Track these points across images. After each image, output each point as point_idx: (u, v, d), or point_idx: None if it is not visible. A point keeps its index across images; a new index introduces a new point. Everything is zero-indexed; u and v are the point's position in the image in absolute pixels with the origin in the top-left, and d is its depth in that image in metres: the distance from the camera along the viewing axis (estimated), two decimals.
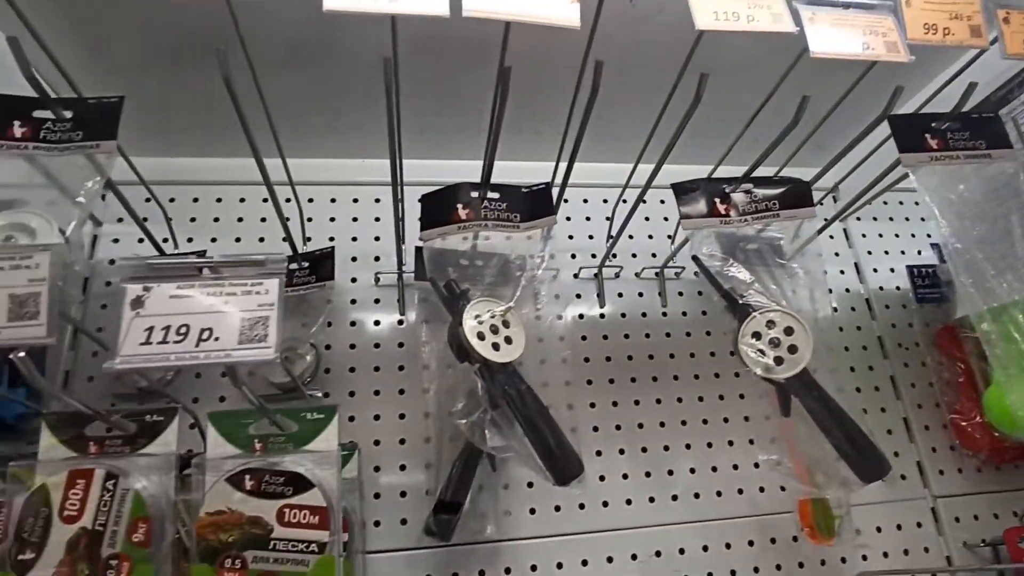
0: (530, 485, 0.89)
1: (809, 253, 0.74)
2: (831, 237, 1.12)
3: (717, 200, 0.76)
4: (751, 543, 0.90)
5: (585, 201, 1.09)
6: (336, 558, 0.55)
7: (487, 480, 0.86)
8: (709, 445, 0.95)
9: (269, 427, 0.59)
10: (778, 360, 0.67)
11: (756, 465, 0.94)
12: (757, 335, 0.68)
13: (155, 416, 0.57)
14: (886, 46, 0.67)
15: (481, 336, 0.67)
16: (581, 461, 0.66)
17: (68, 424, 0.57)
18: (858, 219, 1.13)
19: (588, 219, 1.08)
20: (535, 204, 0.76)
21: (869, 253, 1.12)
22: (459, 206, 0.74)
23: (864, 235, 1.13)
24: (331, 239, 0.96)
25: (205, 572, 0.53)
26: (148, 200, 0.89)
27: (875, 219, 1.14)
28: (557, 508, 0.88)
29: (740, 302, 0.70)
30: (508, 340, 0.69)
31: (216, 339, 0.40)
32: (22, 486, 0.53)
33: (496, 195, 0.75)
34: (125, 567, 0.52)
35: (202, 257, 0.42)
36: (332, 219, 1.00)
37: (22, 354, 0.44)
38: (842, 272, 1.10)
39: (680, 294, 1.04)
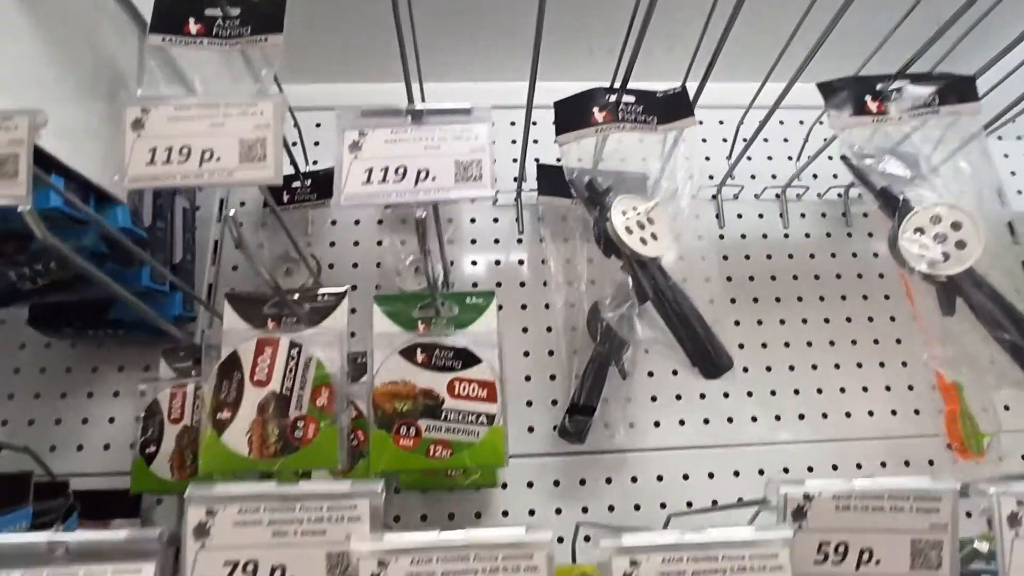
0: (653, 399, 0.89)
1: (975, 150, 0.70)
2: None
3: (868, 98, 0.72)
4: (884, 464, 0.87)
5: (701, 123, 1.06)
6: (504, 430, 0.56)
7: (611, 393, 0.86)
8: (836, 366, 0.92)
9: (431, 311, 0.60)
10: (944, 256, 0.64)
11: (888, 388, 0.91)
12: (920, 231, 0.65)
13: (326, 298, 0.60)
14: None
15: (629, 230, 0.67)
16: (730, 355, 0.65)
17: (247, 304, 0.60)
18: (999, 138, 1.05)
19: (704, 141, 1.05)
20: (672, 106, 0.74)
21: (1012, 174, 1.05)
22: (595, 109, 0.73)
23: (1007, 155, 1.05)
24: None
25: (382, 437, 0.55)
26: None
27: (1019, 138, 1.06)
28: (681, 422, 0.87)
29: (901, 198, 0.66)
30: (654, 236, 0.68)
31: (433, 179, 0.42)
32: (214, 354, 0.56)
33: (631, 99, 0.74)
34: (311, 428, 0.55)
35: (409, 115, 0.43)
36: None
37: (232, 212, 0.47)
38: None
39: (803, 216, 1.00)
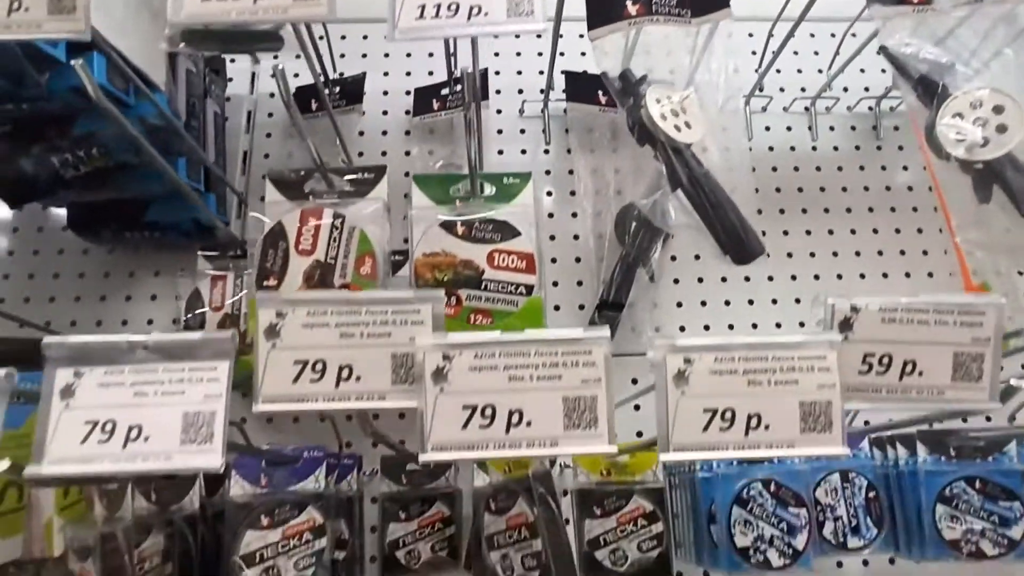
0: (679, 305, 0.90)
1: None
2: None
3: None
4: None
5: (729, 36, 1.04)
6: (543, 302, 0.57)
7: (638, 298, 0.87)
8: (862, 276, 0.92)
9: (469, 191, 0.61)
10: (984, 141, 0.63)
11: None
12: (959, 115, 0.64)
13: (366, 173, 0.60)
14: None
15: (663, 116, 0.66)
16: (761, 241, 0.66)
17: (288, 183, 0.61)
18: None
19: (733, 53, 1.03)
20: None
21: None
22: (628, 2, 0.72)
23: None
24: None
25: None
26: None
27: None
28: (706, 327, 0.89)
29: (940, 83, 0.65)
30: (687, 124, 0.68)
31: (486, 14, 0.42)
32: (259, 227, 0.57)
33: None
34: None
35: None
36: None
37: (280, 66, 0.47)
38: None
39: (832, 129, 0.99)
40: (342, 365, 0.34)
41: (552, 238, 0.91)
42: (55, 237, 0.92)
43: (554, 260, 0.90)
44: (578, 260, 0.91)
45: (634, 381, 0.86)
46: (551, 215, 0.92)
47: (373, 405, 0.34)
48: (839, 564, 0.82)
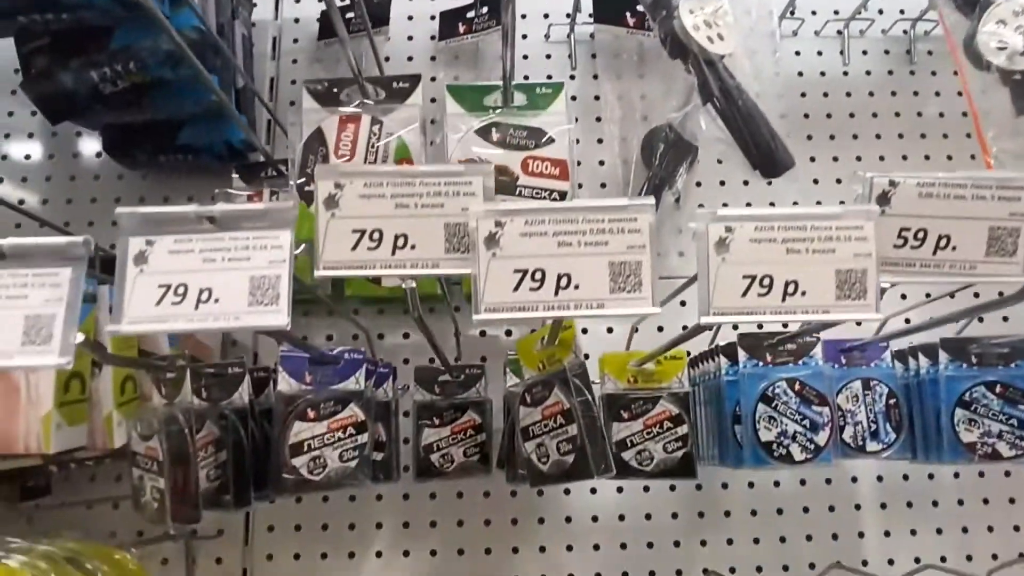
0: None
1: None
2: None
3: None
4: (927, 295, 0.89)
5: None
6: None
7: (664, 222, 0.88)
8: None
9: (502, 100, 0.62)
10: None
11: None
12: (1002, 23, 0.63)
13: (401, 83, 0.61)
14: None
15: (696, 27, 0.66)
16: (791, 154, 0.66)
17: (324, 93, 0.62)
18: None
19: None
20: None
21: None
22: None
23: None
24: None
25: None
26: None
27: None
28: None
29: None
30: (720, 36, 0.67)
31: None
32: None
33: None
34: None
35: None
36: None
37: None
38: None
39: (864, 53, 0.97)
40: (398, 234, 0.35)
41: (578, 164, 0.92)
42: (91, 163, 0.94)
43: (580, 186, 0.91)
44: (603, 186, 0.91)
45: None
46: (576, 141, 0.93)
47: (428, 272, 0.36)
48: (854, 479, 0.85)
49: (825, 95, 0.96)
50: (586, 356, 0.70)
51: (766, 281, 0.34)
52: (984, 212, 0.36)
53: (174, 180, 0.93)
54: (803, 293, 0.34)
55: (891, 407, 0.64)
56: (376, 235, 0.35)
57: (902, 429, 0.64)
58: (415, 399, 0.73)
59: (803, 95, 0.96)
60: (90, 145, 0.95)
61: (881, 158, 0.94)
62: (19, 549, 0.51)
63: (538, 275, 0.34)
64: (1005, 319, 0.88)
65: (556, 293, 0.34)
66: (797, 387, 0.57)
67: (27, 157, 0.95)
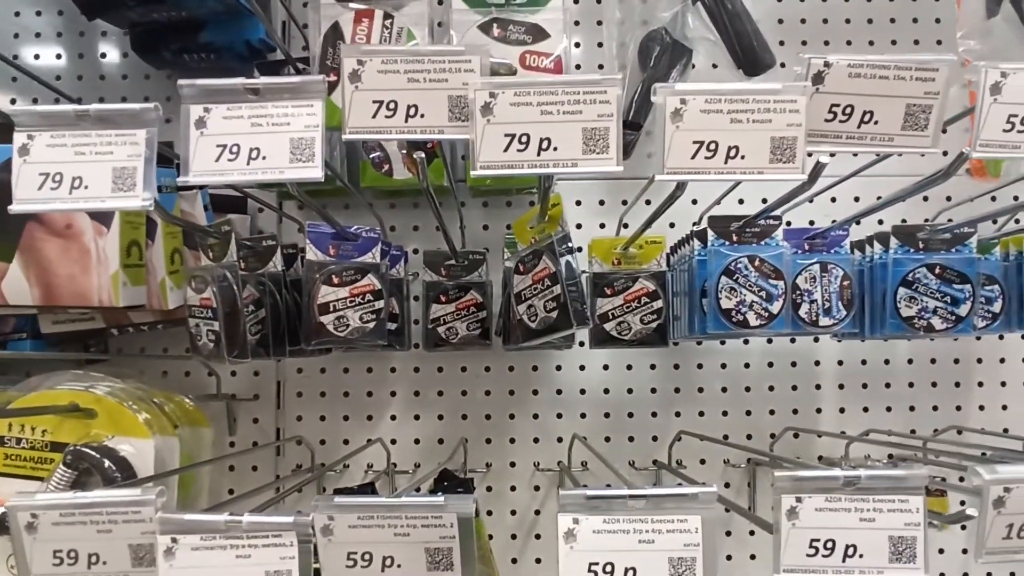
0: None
1: None
2: None
3: None
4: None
5: None
6: None
7: (655, 127, 0.94)
8: None
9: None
10: None
11: None
12: None
13: None
14: None
15: None
16: (773, 54, 0.71)
17: None
18: None
19: None
20: None
21: None
22: None
23: None
24: None
25: None
26: None
27: None
28: None
29: None
30: None
31: None
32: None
33: None
34: None
35: None
36: None
37: None
38: None
39: None
40: (410, 104, 0.43)
41: (578, 67, 0.97)
42: (118, 65, 1.00)
43: None
44: None
45: (648, 202, 0.95)
46: (577, 44, 0.97)
47: (434, 137, 0.43)
48: (817, 363, 0.95)
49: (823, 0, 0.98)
50: (579, 248, 0.79)
51: (712, 146, 0.41)
52: (903, 91, 0.43)
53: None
54: (742, 157, 0.42)
55: (844, 287, 0.72)
56: (392, 105, 0.43)
57: (852, 307, 0.73)
58: (424, 279, 0.83)
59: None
60: (116, 48, 1.01)
61: None
62: (103, 381, 0.62)
63: (524, 138, 0.41)
64: None
65: (539, 154, 0.41)
66: (757, 263, 0.65)
67: (58, 57, 1.01)
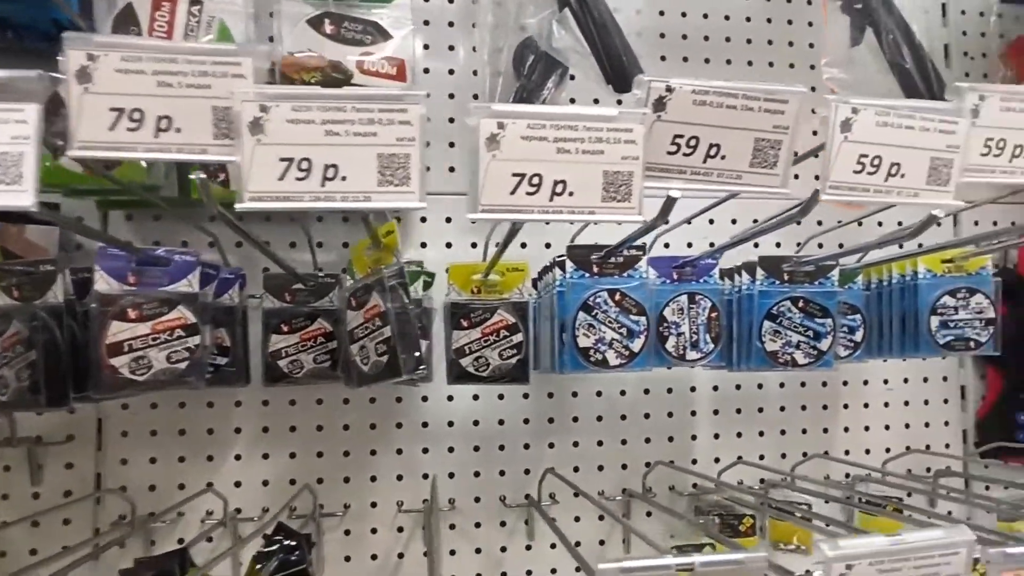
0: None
1: None
2: None
3: None
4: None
5: None
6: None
7: None
8: None
9: None
10: None
11: None
12: None
13: None
14: None
15: None
16: (643, 69, 0.66)
17: None
18: None
19: None
20: None
21: None
22: None
23: None
24: None
25: None
26: None
27: None
28: None
29: None
30: None
31: None
32: None
33: None
34: None
35: None
36: None
37: None
38: None
39: None
40: (160, 115, 0.33)
41: (451, 72, 0.89)
42: None
43: (452, 96, 0.89)
44: (475, 97, 0.89)
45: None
46: (451, 47, 0.90)
47: (193, 159, 0.34)
48: (693, 389, 0.93)
49: (705, 16, 0.96)
50: (447, 269, 0.71)
51: (535, 180, 0.35)
52: (751, 123, 0.38)
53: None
54: (571, 193, 0.36)
55: (712, 320, 0.69)
56: (136, 115, 0.33)
57: (720, 340, 0.69)
58: (263, 306, 0.72)
59: (684, 15, 0.96)
60: None
61: None
62: None
63: (304, 164, 0.33)
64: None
65: (323, 184, 0.33)
66: (617, 297, 0.60)
67: None
